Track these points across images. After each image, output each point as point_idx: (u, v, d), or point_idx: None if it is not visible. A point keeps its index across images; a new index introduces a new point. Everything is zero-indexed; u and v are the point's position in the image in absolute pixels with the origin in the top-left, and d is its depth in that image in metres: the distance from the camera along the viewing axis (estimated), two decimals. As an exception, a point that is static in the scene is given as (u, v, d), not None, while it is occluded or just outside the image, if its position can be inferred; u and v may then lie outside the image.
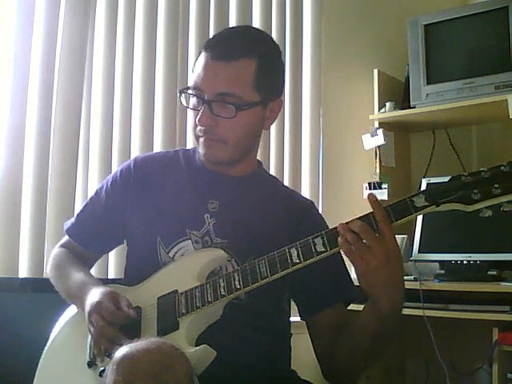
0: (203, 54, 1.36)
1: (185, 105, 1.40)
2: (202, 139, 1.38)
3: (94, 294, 1.32)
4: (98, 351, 1.28)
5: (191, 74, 1.42)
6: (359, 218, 1.17)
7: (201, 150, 1.40)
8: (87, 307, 1.30)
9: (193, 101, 1.38)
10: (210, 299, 1.26)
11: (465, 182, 1.14)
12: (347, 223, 1.17)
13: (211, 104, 1.33)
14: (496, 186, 1.11)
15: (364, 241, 1.14)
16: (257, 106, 1.36)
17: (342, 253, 1.21)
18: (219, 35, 1.43)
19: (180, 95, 1.40)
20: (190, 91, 1.38)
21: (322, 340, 1.39)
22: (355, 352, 1.30)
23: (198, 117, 1.34)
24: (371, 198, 1.17)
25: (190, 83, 1.39)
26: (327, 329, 1.37)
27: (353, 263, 1.17)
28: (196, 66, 1.38)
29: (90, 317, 1.28)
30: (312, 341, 1.42)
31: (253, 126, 1.39)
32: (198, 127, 1.36)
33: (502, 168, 1.12)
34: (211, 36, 1.48)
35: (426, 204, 1.15)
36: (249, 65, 1.34)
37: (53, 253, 1.59)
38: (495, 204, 1.12)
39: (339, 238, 1.17)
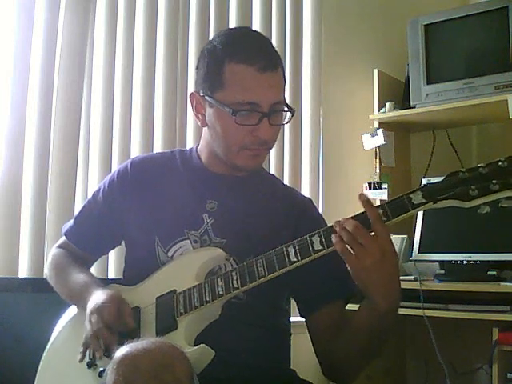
0: (245, 68, 1.29)
1: (242, 124, 1.30)
2: (252, 151, 1.34)
3: (99, 296, 1.32)
4: (85, 349, 1.31)
5: (225, 91, 1.31)
6: (353, 217, 1.17)
7: (246, 161, 1.36)
8: (90, 306, 1.30)
9: (244, 115, 1.31)
10: (208, 299, 1.26)
11: (462, 178, 1.13)
12: (341, 222, 1.17)
13: (271, 115, 1.32)
14: (494, 181, 1.10)
15: (359, 240, 1.14)
16: None
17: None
18: (250, 45, 1.34)
19: (235, 115, 1.29)
20: (244, 107, 1.29)
21: (322, 338, 1.38)
22: (353, 350, 1.29)
23: (264, 132, 1.31)
24: (362, 198, 1.17)
25: (235, 99, 1.29)
26: (327, 326, 1.37)
27: (347, 262, 1.17)
28: (237, 81, 1.30)
29: (91, 316, 1.28)
30: (312, 339, 1.41)
31: None
32: (250, 140, 1.32)
33: (500, 164, 1.11)
34: (234, 45, 1.34)
35: (424, 201, 1.14)
36: (281, 68, 1.36)
37: (51, 253, 1.59)
38: (493, 200, 1.11)
39: (333, 237, 1.17)
